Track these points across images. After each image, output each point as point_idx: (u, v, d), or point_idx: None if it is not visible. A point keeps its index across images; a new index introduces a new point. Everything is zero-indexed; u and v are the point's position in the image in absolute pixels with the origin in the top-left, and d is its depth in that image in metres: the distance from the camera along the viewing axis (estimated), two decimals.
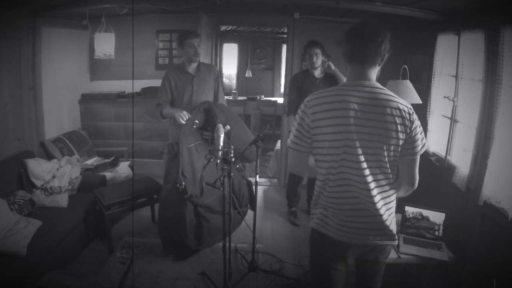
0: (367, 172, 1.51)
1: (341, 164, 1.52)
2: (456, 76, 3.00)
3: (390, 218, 1.59)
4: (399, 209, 2.56)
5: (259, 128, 7.20)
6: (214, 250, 3.19)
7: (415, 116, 1.51)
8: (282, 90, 7.47)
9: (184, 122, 2.86)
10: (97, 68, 4.71)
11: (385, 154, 1.50)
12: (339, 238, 1.59)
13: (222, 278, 2.55)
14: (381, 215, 1.55)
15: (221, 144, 2.35)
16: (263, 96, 8.42)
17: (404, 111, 1.48)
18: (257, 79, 9.52)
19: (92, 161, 3.95)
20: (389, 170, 1.54)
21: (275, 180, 5.06)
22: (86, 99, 4.53)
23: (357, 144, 1.48)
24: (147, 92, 4.49)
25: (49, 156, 3.64)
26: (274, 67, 9.62)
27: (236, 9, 4.30)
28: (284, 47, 8.71)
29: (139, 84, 4.62)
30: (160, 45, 4.68)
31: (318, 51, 3.46)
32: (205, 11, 3.73)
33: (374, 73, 1.55)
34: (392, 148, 1.51)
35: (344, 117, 1.47)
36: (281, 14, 4.51)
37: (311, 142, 1.55)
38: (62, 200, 3.08)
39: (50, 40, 3.77)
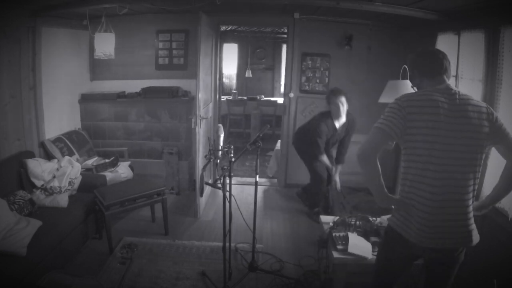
0: (464, 172, 1.57)
1: (440, 166, 1.55)
2: (456, 76, 2.99)
3: (472, 219, 1.64)
4: None
5: (259, 128, 7.20)
6: (214, 250, 3.19)
7: (492, 110, 1.63)
8: (282, 90, 7.47)
9: None
10: (97, 68, 4.71)
11: (478, 150, 1.58)
12: (417, 242, 1.61)
13: (222, 278, 2.55)
14: (469, 218, 1.61)
15: (221, 144, 2.36)
16: (263, 96, 8.42)
17: (484, 106, 1.61)
18: (257, 79, 9.51)
19: (92, 161, 3.95)
20: (478, 168, 1.61)
21: (275, 180, 5.06)
22: (86, 99, 4.53)
23: (451, 141, 1.55)
24: (147, 92, 4.49)
25: (49, 156, 3.64)
26: (274, 67, 9.62)
27: (236, 9, 4.30)
28: (284, 47, 8.71)
29: (139, 84, 4.62)
30: (160, 45, 4.68)
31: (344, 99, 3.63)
32: (205, 11, 3.73)
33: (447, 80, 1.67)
34: (480, 144, 1.58)
35: (436, 121, 1.54)
36: (281, 14, 4.51)
37: (401, 133, 1.58)
38: (62, 200, 3.08)
39: (50, 40, 3.77)
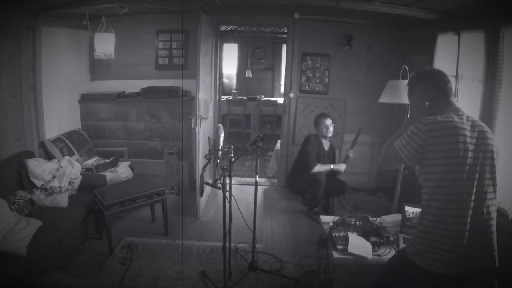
0: (488, 198, 1.59)
1: (465, 196, 1.54)
2: (456, 76, 3.00)
3: (495, 240, 1.66)
4: (399, 209, 2.56)
5: (259, 128, 7.20)
6: (214, 250, 3.19)
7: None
8: (282, 90, 7.47)
9: None
10: (97, 68, 4.71)
11: (495, 176, 1.60)
12: (443, 271, 1.58)
13: (222, 278, 2.55)
14: (493, 239, 1.63)
15: (221, 144, 2.36)
16: (263, 96, 8.41)
17: (492, 137, 1.64)
18: (257, 79, 9.51)
19: (92, 161, 3.95)
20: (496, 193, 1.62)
21: (275, 180, 5.06)
22: (86, 99, 4.53)
23: (475, 169, 1.55)
24: (147, 92, 4.49)
25: (49, 156, 3.64)
26: (274, 67, 9.62)
27: (236, 9, 4.30)
28: (284, 47, 8.71)
29: (139, 84, 4.62)
30: (160, 45, 4.68)
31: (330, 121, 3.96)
32: (205, 11, 3.73)
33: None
34: (495, 170, 1.60)
35: (460, 149, 1.54)
36: (281, 14, 4.51)
37: (419, 159, 1.60)
38: (62, 200, 3.08)
39: (50, 40, 3.77)
